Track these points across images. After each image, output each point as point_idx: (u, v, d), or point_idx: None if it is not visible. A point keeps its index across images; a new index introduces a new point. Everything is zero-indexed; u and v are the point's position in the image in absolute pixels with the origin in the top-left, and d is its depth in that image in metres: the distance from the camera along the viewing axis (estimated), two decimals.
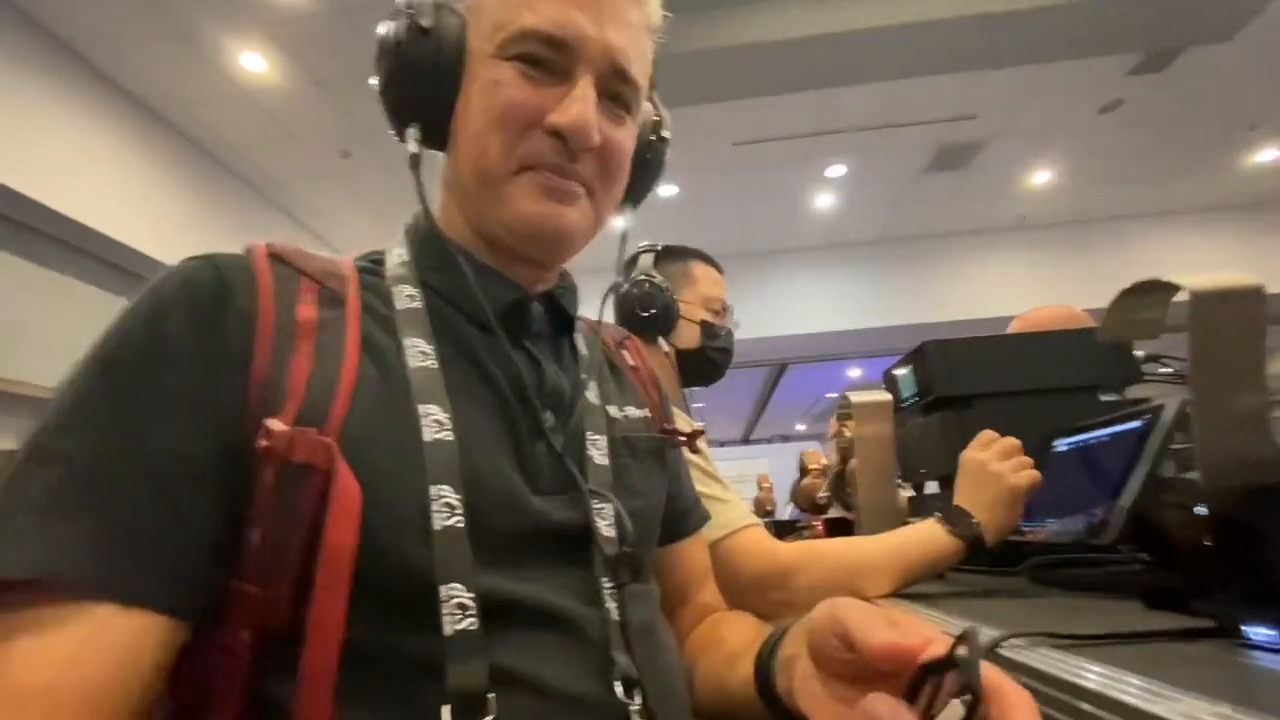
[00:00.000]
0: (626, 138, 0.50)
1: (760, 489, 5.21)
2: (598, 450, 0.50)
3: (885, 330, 5.79)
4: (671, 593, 0.63)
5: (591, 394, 0.53)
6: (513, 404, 0.47)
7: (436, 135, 0.50)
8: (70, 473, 0.34)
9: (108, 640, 0.33)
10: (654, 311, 1.12)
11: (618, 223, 0.56)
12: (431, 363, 0.44)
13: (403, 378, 0.43)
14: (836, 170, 4.77)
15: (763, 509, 4.83)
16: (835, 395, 9.86)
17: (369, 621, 0.36)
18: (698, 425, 0.75)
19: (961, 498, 0.79)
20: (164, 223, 3.97)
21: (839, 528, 1.54)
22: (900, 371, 1.15)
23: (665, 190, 4.86)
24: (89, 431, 0.36)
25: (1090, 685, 0.37)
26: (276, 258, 0.45)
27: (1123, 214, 5.52)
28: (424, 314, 0.47)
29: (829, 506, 2.06)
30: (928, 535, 0.79)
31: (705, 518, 0.69)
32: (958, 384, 1.02)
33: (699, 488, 0.90)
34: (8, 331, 3.43)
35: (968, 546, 0.77)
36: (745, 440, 12.02)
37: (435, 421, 0.41)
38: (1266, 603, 0.44)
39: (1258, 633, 0.44)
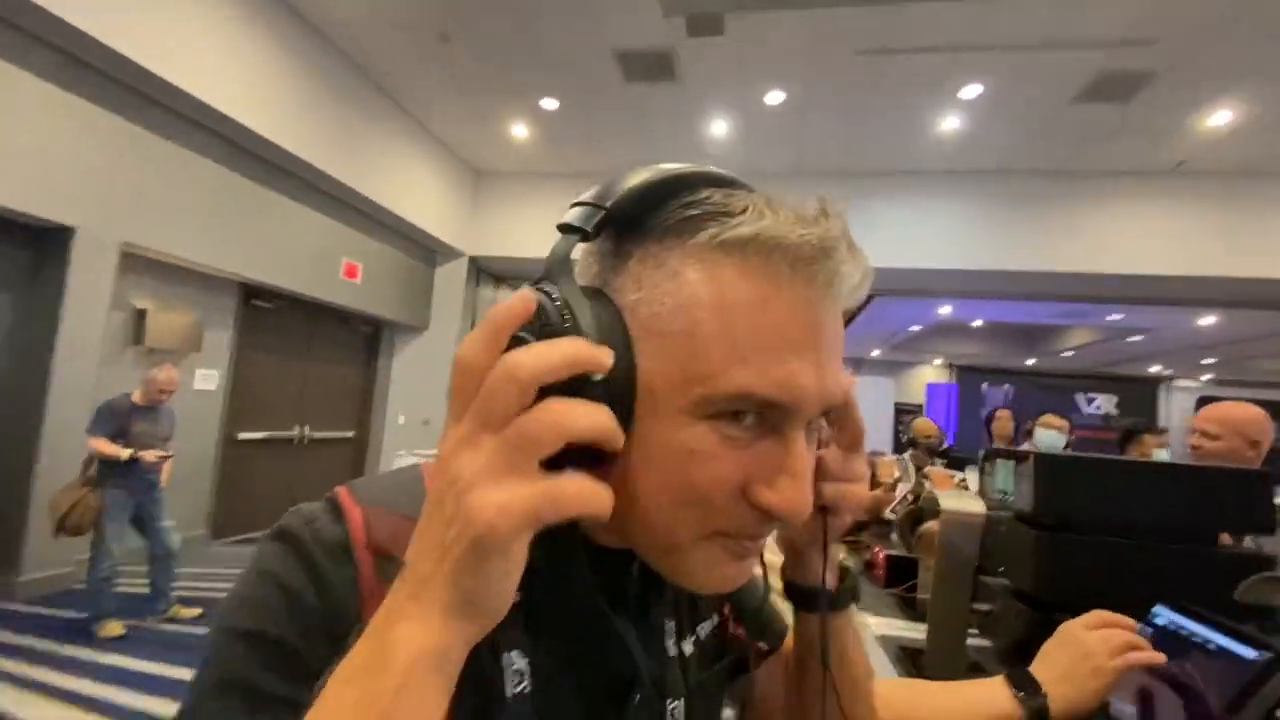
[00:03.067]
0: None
1: None
2: (678, 708, 0.45)
3: (994, 274, 5.34)
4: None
5: (670, 642, 0.47)
6: (601, 709, 0.42)
7: None
8: None
9: None
10: None
11: None
12: (527, 686, 0.38)
13: (500, 708, 0.37)
14: (972, 90, 4.23)
15: None
16: (919, 329, 9.38)
17: None
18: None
19: (1039, 662, 0.70)
20: (270, 96, 3.97)
21: (898, 567, 1.53)
22: (1002, 463, 1.00)
23: (771, 97, 4.45)
24: None
25: None
26: (382, 555, 0.37)
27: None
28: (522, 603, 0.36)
29: (890, 525, 1.96)
30: (989, 696, 0.70)
31: (783, 633, 0.61)
32: (1063, 505, 0.87)
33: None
34: (139, 197, 3.61)
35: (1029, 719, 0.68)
36: None
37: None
38: None
39: None
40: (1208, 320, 7.23)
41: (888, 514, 2.04)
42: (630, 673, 0.42)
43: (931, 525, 1.31)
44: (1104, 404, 8.71)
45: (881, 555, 1.55)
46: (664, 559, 0.38)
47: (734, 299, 0.34)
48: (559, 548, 0.36)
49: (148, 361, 3.63)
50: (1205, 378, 10.49)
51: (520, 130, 5.33)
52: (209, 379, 4.55)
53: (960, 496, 0.97)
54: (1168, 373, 10.28)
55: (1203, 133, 4.41)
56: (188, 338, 4.20)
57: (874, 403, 9.33)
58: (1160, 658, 0.65)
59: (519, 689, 0.38)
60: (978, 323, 8.96)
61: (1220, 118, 4.24)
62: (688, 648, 0.49)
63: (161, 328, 4.03)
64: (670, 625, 0.48)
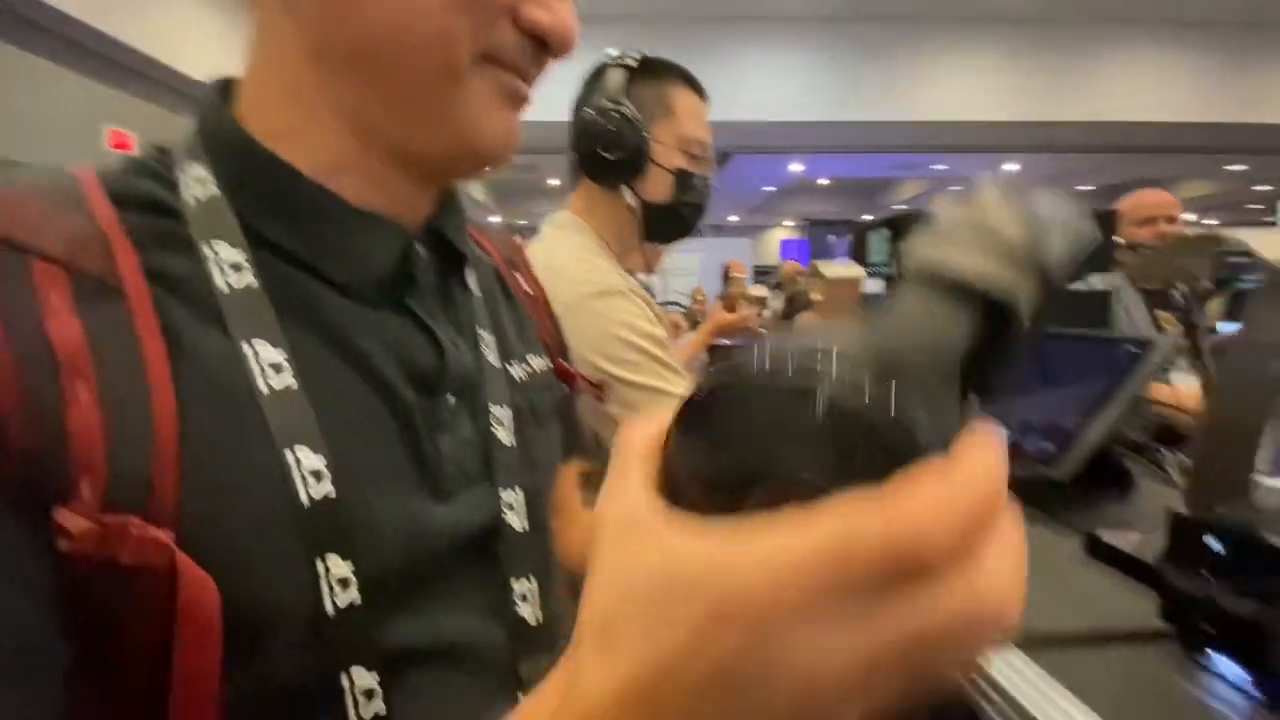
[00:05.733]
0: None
1: (694, 302, 5.22)
2: (503, 428, 0.41)
3: (843, 126, 5.45)
4: None
5: (490, 353, 0.43)
6: (405, 397, 0.36)
7: None
8: None
9: None
10: (622, 155, 0.87)
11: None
12: (289, 379, 0.31)
13: (251, 407, 0.30)
14: None
15: (694, 322, 4.91)
16: (772, 189, 9.63)
17: None
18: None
19: None
20: None
21: None
22: (876, 234, 1.01)
23: None
24: None
25: None
26: None
27: (1115, 17, 5.10)
28: (263, 295, 0.32)
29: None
30: None
31: None
32: None
33: (640, 378, 0.82)
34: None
35: None
36: None
37: (311, 473, 0.31)
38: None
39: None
40: (1012, 167, 8.00)
41: (758, 328, 2.11)
42: (436, 366, 0.38)
43: (805, 315, 1.33)
44: None
45: None
46: (434, 99, 0.34)
47: None
48: (269, 184, 0.34)
49: None
50: None
51: None
52: None
53: (839, 265, 1.01)
54: None
55: None
56: None
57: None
58: None
59: (279, 384, 0.31)
60: (824, 180, 9.34)
61: None
62: (518, 372, 0.45)
63: None
64: (489, 338, 0.43)
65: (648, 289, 1.09)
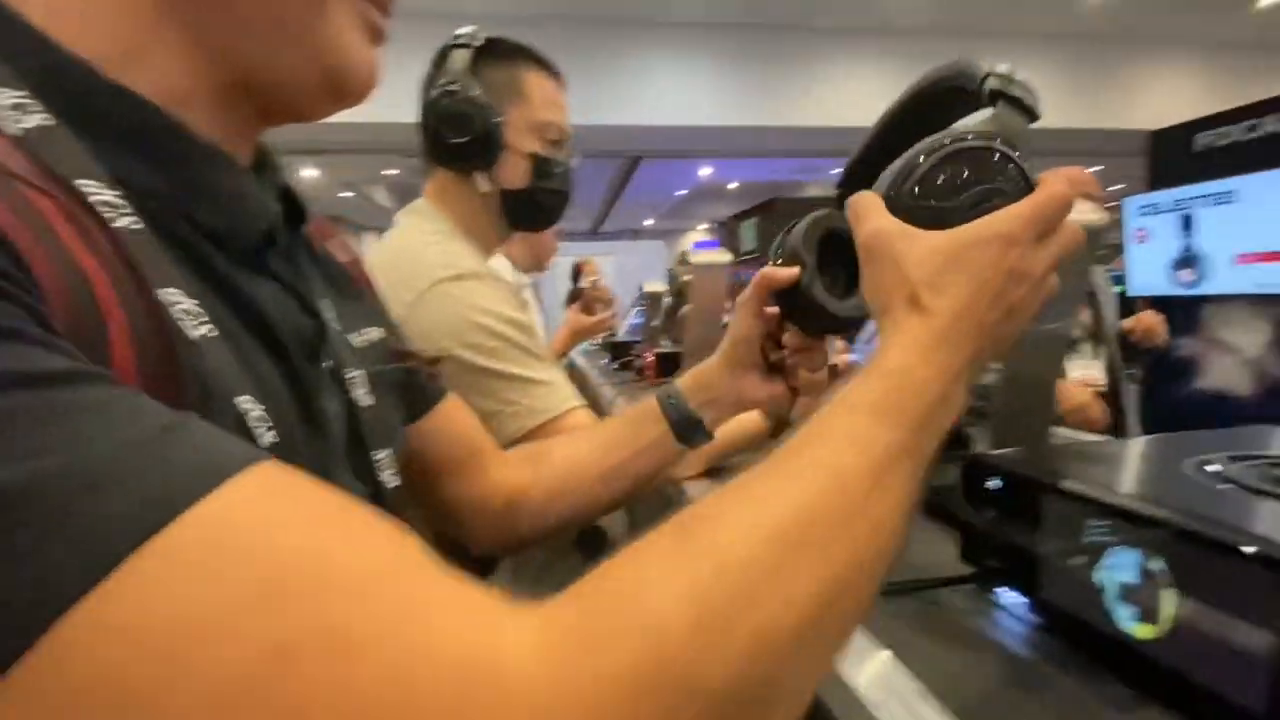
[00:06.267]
0: None
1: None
2: (362, 391, 0.41)
3: (745, 130, 5.60)
4: (444, 464, 0.58)
5: (330, 318, 0.41)
6: (298, 363, 0.35)
7: None
8: None
9: None
10: (469, 138, 0.84)
11: None
12: (210, 329, 0.29)
13: (184, 349, 0.27)
14: None
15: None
16: (684, 193, 9.79)
17: None
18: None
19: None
20: None
21: (668, 362, 1.55)
22: (745, 223, 1.06)
23: None
24: None
25: None
26: None
27: (986, 31, 5.50)
28: (153, 239, 0.28)
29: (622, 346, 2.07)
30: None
31: (443, 390, 0.60)
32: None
33: (500, 365, 0.79)
34: None
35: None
36: (594, 233, 11.85)
37: (259, 420, 0.30)
38: None
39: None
40: None
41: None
42: (315, 332, 0.38)
43: (687, 305, 1.37)
44: None
45: (650, 356, 1.59)
46: (302, 21, 0.32)
47: None
48: (113, 115, 0.29)
49: None
50: None
51: None
52: None
53: (708, 251, 1.10)
54: None
55: None
56: None
57: (650, 266, 9.81)
58: None
59: (203, 332, 0.28)
60: (733, 185, 9.57)
61: None
62: (356, 340, 0.44)
63: None
64: (329, 308, 0.41)
65: (535, 287, 1.08)
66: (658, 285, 1.94)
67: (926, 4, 5.12)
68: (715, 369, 0.60)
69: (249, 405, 0.29)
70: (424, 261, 0.82)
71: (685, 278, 1.32)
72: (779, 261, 0.52)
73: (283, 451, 0.27)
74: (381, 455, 0.41)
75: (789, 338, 0.57)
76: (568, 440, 0.67)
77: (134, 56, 0.30)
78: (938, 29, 5.44)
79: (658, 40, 5.30)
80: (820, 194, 7.74)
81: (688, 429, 0.61)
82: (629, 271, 6.99)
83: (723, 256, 1.07)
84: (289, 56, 0.33)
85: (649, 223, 11.94)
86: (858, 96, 5.57)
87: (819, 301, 0.49)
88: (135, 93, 0.29)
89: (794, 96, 5.51)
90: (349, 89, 0.35)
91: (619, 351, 2.00)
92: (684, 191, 9.63)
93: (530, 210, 0.93)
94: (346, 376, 0.40)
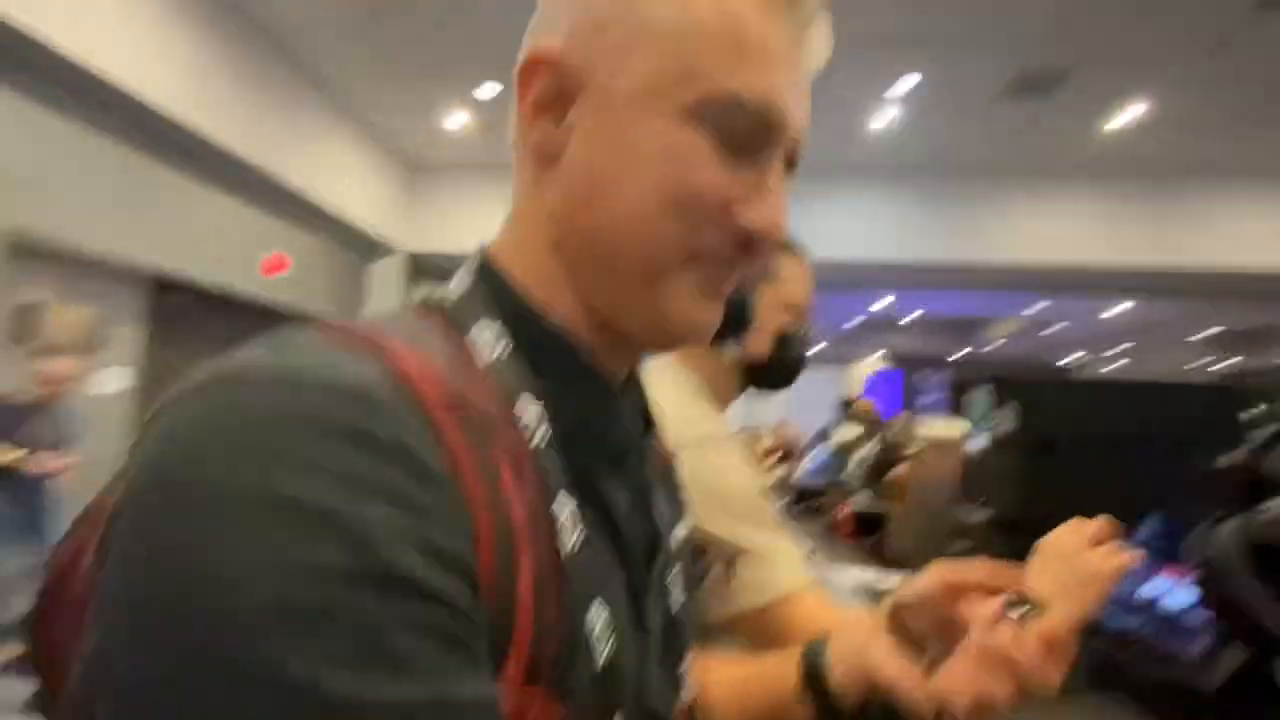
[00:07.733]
0: None
1: (777, 435, 4.89)
2: (677, 589, 0.42)
3: (925, 267, 5.52)
4: None
5: (664, 524, 0.43)
6: (637, 569, 0.38)
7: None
8: None
9: None
10: (725, 316, 0.93)
11: None
12: (582, 531, 0.33)
13: (560, 566, 0.31)
14: (907, 82, 4.36)
15: (782, 454, 4.58)
16: (854, 325, 9.63)
17: None
18: None
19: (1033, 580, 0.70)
20: (181, 74, 3.71)
21: (869, 523, 1.48)
22: (976, 398, 1.02)
23: None
24: None
25: None
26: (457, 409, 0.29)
27: (1210, 170, 5.07)
28: (555, 450, 0.34)
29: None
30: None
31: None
32: (1045, 424, 0.89)
33: (737, 540, 0.78)
34: (32, 180, 3.30)
35: None
36: None
37: (607, 629, 0.32)
38: None
39: None
40: (1124, 306, 7.67)
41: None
42: (654, 530, 0.40)
43: (900, 469, 1.30)
44: None
45: (847, 511, 1.52)
46: (642, 293, 0.36)
47: (736, 4, 0.35)
48: (547, 345, 0.36)
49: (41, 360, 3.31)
50: (1114, 366, 11.22)
51: (459, 119, 5.18)
52: (115, 379, 4.21)
53: (940, 422, 0.98)
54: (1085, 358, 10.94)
55: (1110, 134, 4.68)
56: (89, 333, 3.86)
57: (822, 397, 9.56)
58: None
59: (577, 540, 0.32)
60: (914, 315, 9.27)
61: (1124, 118, 4.50)
62: (674, 536, 0.46)
63: (59, 323, 3.69)
64: (660, 506, 0.43)
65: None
66: (847, 433, 1.91)
67: (1132, 143, 4.84)
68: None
69: (598, 610, 0.32)
70: (671, 417, 0.90)
71: (909, 449, 1.28)
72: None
73: (610, 670, 0.31)
74: (689, 659, 0.41)
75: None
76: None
77: (549, 306, 0.37)
78: (1144, 171, 5.11)
79: (836, 181, 5.51)
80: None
81: None
82: (798, 400, 6.88)
83: (955, 429, 1.01)
84: (635, 320, 0.37)
85: (819, 348, 11.84)
86: (1053, 234, 5.31)
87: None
88: (566, 332, 0.37)
89: (983, 233, 5.37)
90: (684, 341, 0.39)
91: (804, 498, 1.95)
92: (852, 324, 9.49)
93: (770, 377, 0.97)
94: (669, 579, 0.41)
